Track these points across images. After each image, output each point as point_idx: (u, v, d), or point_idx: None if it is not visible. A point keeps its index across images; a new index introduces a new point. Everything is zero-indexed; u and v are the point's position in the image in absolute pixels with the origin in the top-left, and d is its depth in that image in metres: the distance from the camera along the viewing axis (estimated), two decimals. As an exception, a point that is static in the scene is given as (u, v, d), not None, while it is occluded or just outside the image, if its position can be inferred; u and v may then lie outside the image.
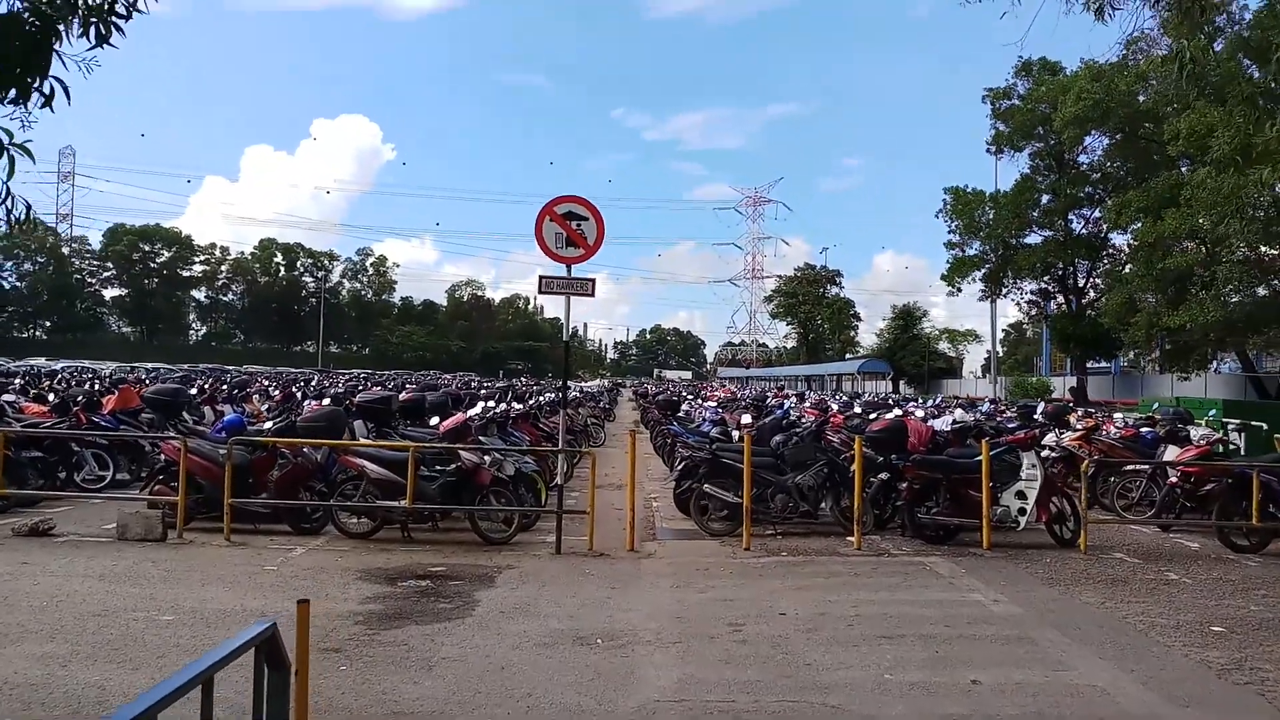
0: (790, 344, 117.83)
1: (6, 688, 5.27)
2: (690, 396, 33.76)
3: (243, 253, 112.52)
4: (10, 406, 13.64)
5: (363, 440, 11.63)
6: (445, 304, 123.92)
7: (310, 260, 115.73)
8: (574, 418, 21.02)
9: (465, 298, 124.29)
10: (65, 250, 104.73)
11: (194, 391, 19.36)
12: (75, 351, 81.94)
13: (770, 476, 11.61)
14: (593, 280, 10.36)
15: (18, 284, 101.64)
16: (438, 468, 10.70)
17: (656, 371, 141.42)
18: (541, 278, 10.34)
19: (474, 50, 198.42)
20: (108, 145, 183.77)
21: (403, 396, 15.90)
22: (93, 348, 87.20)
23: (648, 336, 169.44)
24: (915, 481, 11.16)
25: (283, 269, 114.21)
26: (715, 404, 22.50)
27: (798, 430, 12.71)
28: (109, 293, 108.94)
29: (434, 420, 12.64)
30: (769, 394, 32.85)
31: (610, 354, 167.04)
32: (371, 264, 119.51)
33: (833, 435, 13.83)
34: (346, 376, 52.45)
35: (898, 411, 16.71)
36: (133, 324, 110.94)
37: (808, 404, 23.41)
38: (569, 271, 10.34)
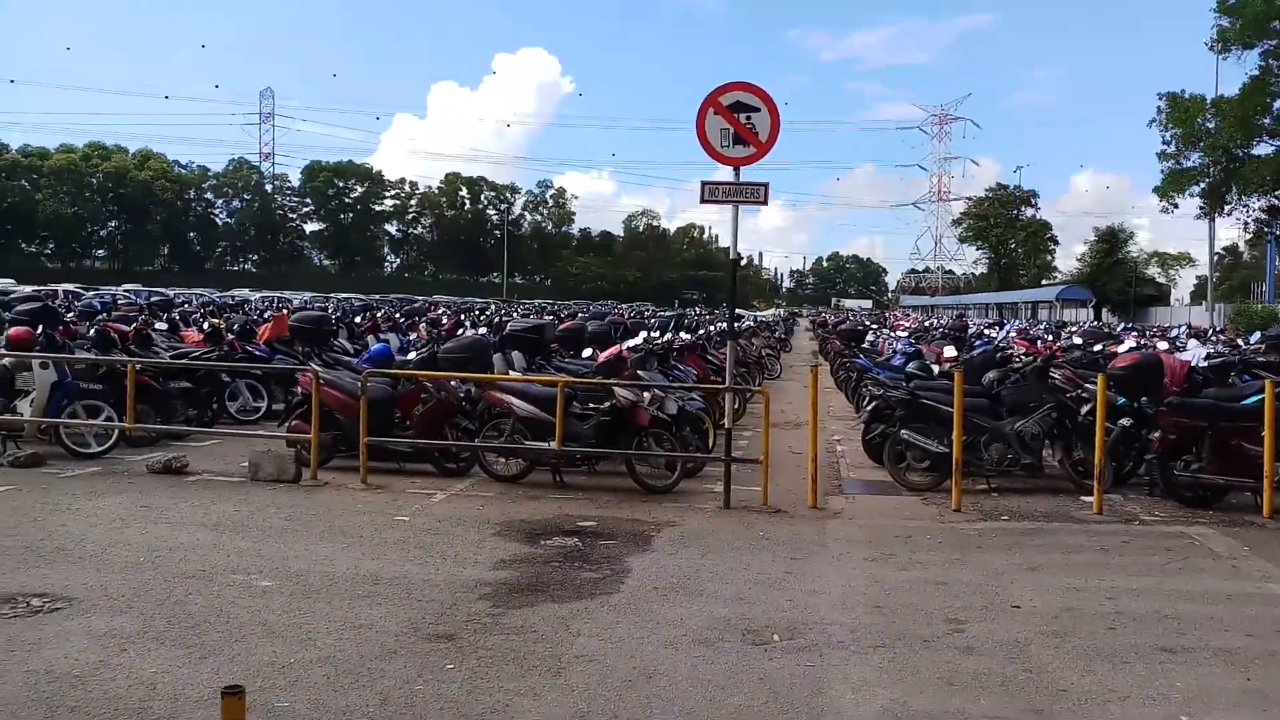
0: (979, 270, 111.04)
1: (47, 679, 4.31)
2: (875, 326, 31.43)
3: (430, 187, 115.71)
4: (160, 336, 13.39)
5: (512, 374, 10.49)
6: (622, 234, 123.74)
7: (493, 193, 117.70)
8: (746, 349, 19.44)
9: (641, 228, 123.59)
10: (269, 188, 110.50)
11: (358, 320, 19.02)
12: (278, 284, 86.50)
13: (984, 421, 9.69)
14: (765, 186, 8.64)
15: (228, 220, 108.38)
16: (591, 405, 9.42)
17: (835, 300, 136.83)
18: (704, 184, 8.71)
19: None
20: (305, 86, 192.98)
21: (561, 326, 14.83)
22: (295, 280, 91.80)
23: (825, 264, 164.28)
24: (1171, 430, 8.98)
25: (468, 202, 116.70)
26: (907, 334, 20.32)
27: (1015, 366, 10.65)
28: (309, 227, 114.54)
29: (587, 353, 11.42)
30: (971, 322, 30.04)
31: (786, 283, 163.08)
32: (551, 196, 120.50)
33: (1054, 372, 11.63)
34: (526, 306, 52.78)
35: (1130, 343, 14.20)
36: (331, 257, 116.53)
37: (1012, 334, 20.82)
38: (737, 175, 8.66)
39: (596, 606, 5.68)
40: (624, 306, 54.86)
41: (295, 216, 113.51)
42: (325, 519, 7.64)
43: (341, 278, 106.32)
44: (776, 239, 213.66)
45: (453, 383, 9.98)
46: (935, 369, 12.46)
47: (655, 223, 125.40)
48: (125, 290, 48.96)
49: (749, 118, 8.54)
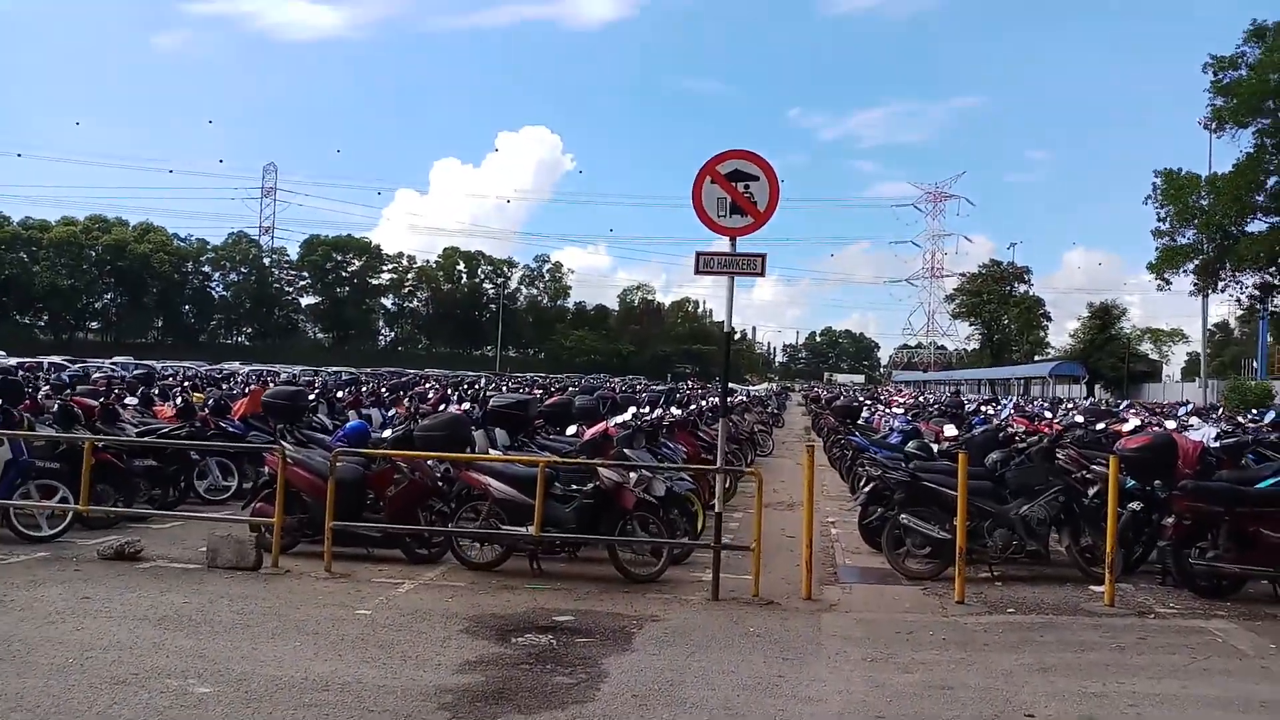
0: (972, 346, 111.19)
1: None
2: (870, 402, 30.99)
3: (428, 261, 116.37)
4: (132, 410, 12.90)
5: (493, 453, 9.99)
6: (617, 308, 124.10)
7: (490, 268, 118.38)
8: (738, 425, 18.96)
9: (636, 302, 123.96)
10: (266, 261, 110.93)
11: (340, 395, 18.54)
12: (272, 356, 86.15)
13: (988, 505, 9.20)
14: (762, 257, 8.26)
15: (224, 293, 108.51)
16: (574, 487, 8.91)
17: (827, 375, 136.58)
18: (699, 254, 8.33)
19: (652, 58, 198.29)
20: (308, 162, 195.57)
21: (548, 401, 14.37)
22: (289, 353, 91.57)
23: (818, 339, 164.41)
24: (1186, 516, 8.49)
25: (464, 276, 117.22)
26: (904, 411, 19.87)
27: (1019, 446, 10.19)
28: (305, 300, 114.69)
29: (571, 430, 10.96)
30: (966, 398, 29.61)
31: (779, 357, 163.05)
32: (548, 270, 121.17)
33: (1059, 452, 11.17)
34: (518, 379, 52.39)
35: (1134, 421, 13.77)
36: (326, 330, 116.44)
37: (1008, 411, 20.38)
38: (733, 246, 8.30)
39: (566, 719, 5.12)
40: (616, 380, 54.44)
41: (291, 290, 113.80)
42: (281, 612, 7.08)
43: (335, 351, 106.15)
44: (770, 313, 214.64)
45: (430, 462, 9.49)
46: (934, 448, 12.00)
47: (650, 297, 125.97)
48: (115, 362, 48.50)
49: (747, 187, 8.22)
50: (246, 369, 55.05)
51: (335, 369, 63.75)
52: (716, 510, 8.29)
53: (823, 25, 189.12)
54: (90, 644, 6.07)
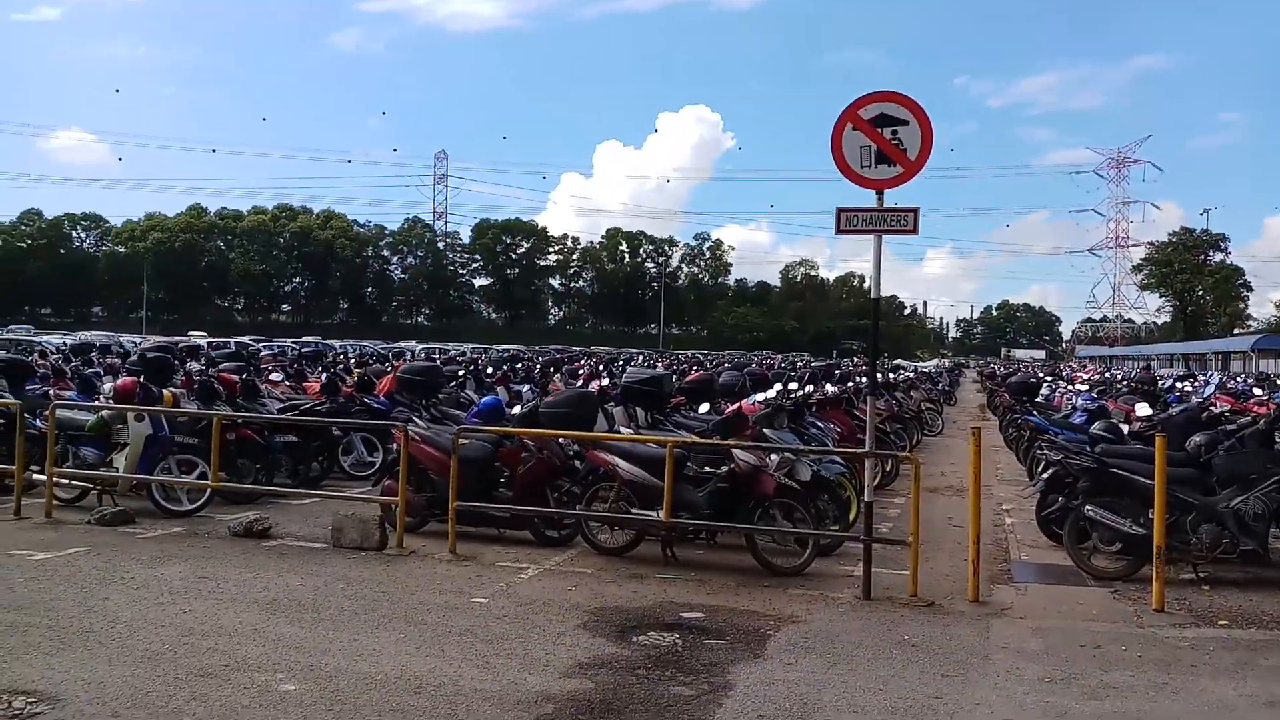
0: (1162, 319, 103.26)
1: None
2: (1050, 378, 28.71)
3: (592, 242, 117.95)
4: (284, 386, 13.05)
5: (624, 431, 9.38)
6: (779, 284, 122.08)
7: (652, 247, 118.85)
8: (904, 403, 17.69)
9: (799, 278, 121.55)
10: (441, 245, 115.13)
11: (490, 370, 18.43)
12: (448, 336, 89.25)
13: (1191, 496, 7.88)
14: (914, 211, 7.21)
15: (403, 275, 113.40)
16: (707, 469, 8.19)
17: (1005, 350, 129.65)
18: (840, 211, 7.35)
19: (809, 32, 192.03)
20: (477, 149, 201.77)
21: (689, 377, 13.66)
22: (464, 333, 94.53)
23: (994, 313, 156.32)
24: None
25: (627, 256, 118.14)
26: (1088, 388, 18.05)
27: (1229, 429, 8.75)
28: (478, 282, 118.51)
29: (704, 408, 10.20)
30: (1164, 375, 26.95)
31: (953, 332, 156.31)
32: (708, 248, 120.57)
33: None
34: (680, 356, 52.10)
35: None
36: (498, 310, 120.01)
37: (1211, 389, 18.15)
38: (880, 200, 7.30)
39: (678, 741, 4.42)
40: (778, 357, 53.21)
41: (465, 272, 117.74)
42: (393, 598, 6.69)
43: (507, 330, 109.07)
44: (943, 287, 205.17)
45: (562, 441, 8.98)
46: (1124, 429, 10.57)
47: (813, 272, 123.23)
48: (301, 342, 51.04)
49: (895, 132, 7.20)
50: (419, 348, 56.97)
51: (505, 347, 65.10)
52: (866, 500, 7.35)
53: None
54: (191, 628, 5.82)
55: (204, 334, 59.88)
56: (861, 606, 6.91)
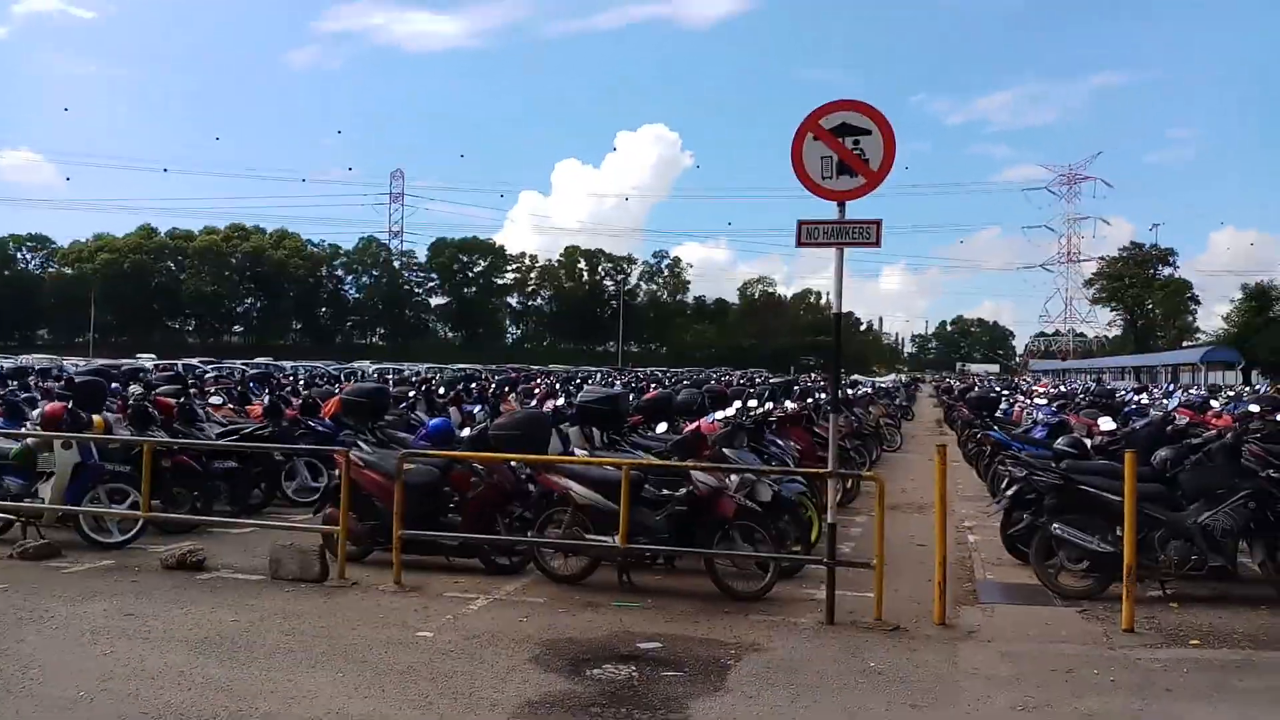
0: (1113, 333, 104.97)
1: None
2: (1008, 392, 28.85)
3: (550, 260, 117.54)
4: (227, 410, 12.54)
5: (578, 453, 9.06)
6: (738, 301, 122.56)
7: (610, 265, 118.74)
8: (863, 418, 17.55)
9: (756, 295, 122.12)
10: (396, 264, 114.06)
11: (443, 391, 17.99)
12: (404, 356, 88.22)
13: (1158, 513, 7.72)
14: (876, 224, 7.01)
15: (358, 295, 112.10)
16: (665, 491, 7.90)
17: (960, 365, 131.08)
18: (801, 224, 7.13)
19: (767, 51, 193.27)
20: (433, 167, 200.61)
21: (646, 395, 13.39)
22: (420, 352, 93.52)
23: (949, 328, 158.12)
24: None
25: (585, 274, 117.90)
26: (1047, 402, 18.04)
27: (1194, 442, 8.64)
28: (434, 301, 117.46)
29: (662, 428, 9.92)
30: (1119, 388, 27.16)
31: (908, 347, 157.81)
32: (667, 266, 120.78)
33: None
34: (639, 374, 51.90)
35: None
36: (455, 329, 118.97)
37: (1175, 401, 18.22)
38: (841, 211, 7.10)
39: (633, 788, 4.11)
40: (736, 373, 53.15)
41: (421, 291, 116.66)
42: (333, 634, 6.30)
43: (464, 349, 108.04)
44: (898, 303, 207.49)
45: (514, 464, 8.63)
46: (1087, 443, 10.45)
47: (771, 289, 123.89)
48: (252, 363, 49.97)
49: (857, 142, 7.00)
50: (373, 368, 56.12)
51: (461, 366, 64.42)
52: (829, 521, 7.10)
53: (942, 8, 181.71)
54: (112, 672, 5.39)
55: (153, 356, 58.52)
56: (825, 632, 6.65)
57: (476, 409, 16.41)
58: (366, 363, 69.53)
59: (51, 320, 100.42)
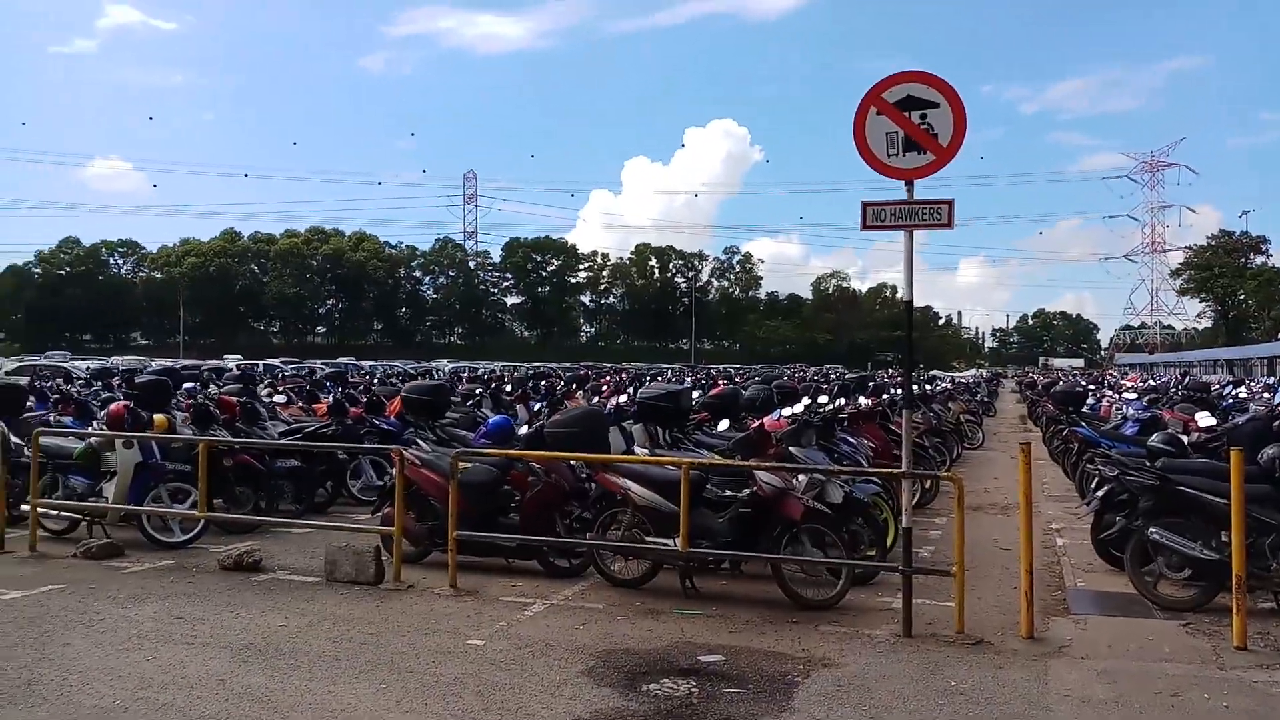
0: (1203, 324, 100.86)
1: None
2: (1094, 387, 27.64)
3: (621, 258, 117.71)
4: (296, 409, 12.51)
5: (639, 452, 8.71)
6: (811, 297, 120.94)
7: (681, 261, 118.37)
8: (942, 415, 16.87)
9: (830, 289, 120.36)
10: (471, 264, 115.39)
11: (510, 388, 17.84)
12: (480, 354, 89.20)
13: (1268, 516, 7.06)
14: (948, 204, 6.51)
15: (435, 295, 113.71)
16: (728, 492, 7.51)
17: (1042, 359, 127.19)
18: (866, 205, 6.67)
19: (835, 42, 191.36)
20: (506, 168, 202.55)
21: (712, 392, 12.97)
22: (496, 351, 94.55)
23: (1030, 322, 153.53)
24: None
25: (656, 271, 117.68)
26: (1138, 396, 17.10)
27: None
28: (509, 300, 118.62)
29: (724, 425, 9.52)
30: (1219, 381, 25.76)
31: (989, 342, 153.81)
32: (738, 262, 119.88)
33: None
34: (711, 371, 51.52)
35: None
36: (529, 328, 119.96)
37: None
38: (909, 191, 6.62)
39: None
40: (811, 369, 52.29)
41: (496, 290, 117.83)
42: (380, 641, 6.07)
43: (539, 347, 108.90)
44: (977, 296, 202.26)
45: (571, 463, 8.33)
46: (1184, 440, 9.73)
47: (845, 284, 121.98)
48: (335, 363, 50.81)
49: (924, 116, 6.51)
50: (449, 366, 56.67)
51: (536, 364, 64.70)
52: (904, 525, 6.63)
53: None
54: (150, 680, 5.23)
55: (239, 357, 60.07)
56: (901, 645, 6.19)
57: (536, 406, 16.10)
58: (443, 361, 70.33)
59: (143, 323, 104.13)
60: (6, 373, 30.95)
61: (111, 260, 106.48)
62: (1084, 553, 8.92)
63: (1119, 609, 7.24)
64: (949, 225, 6.47)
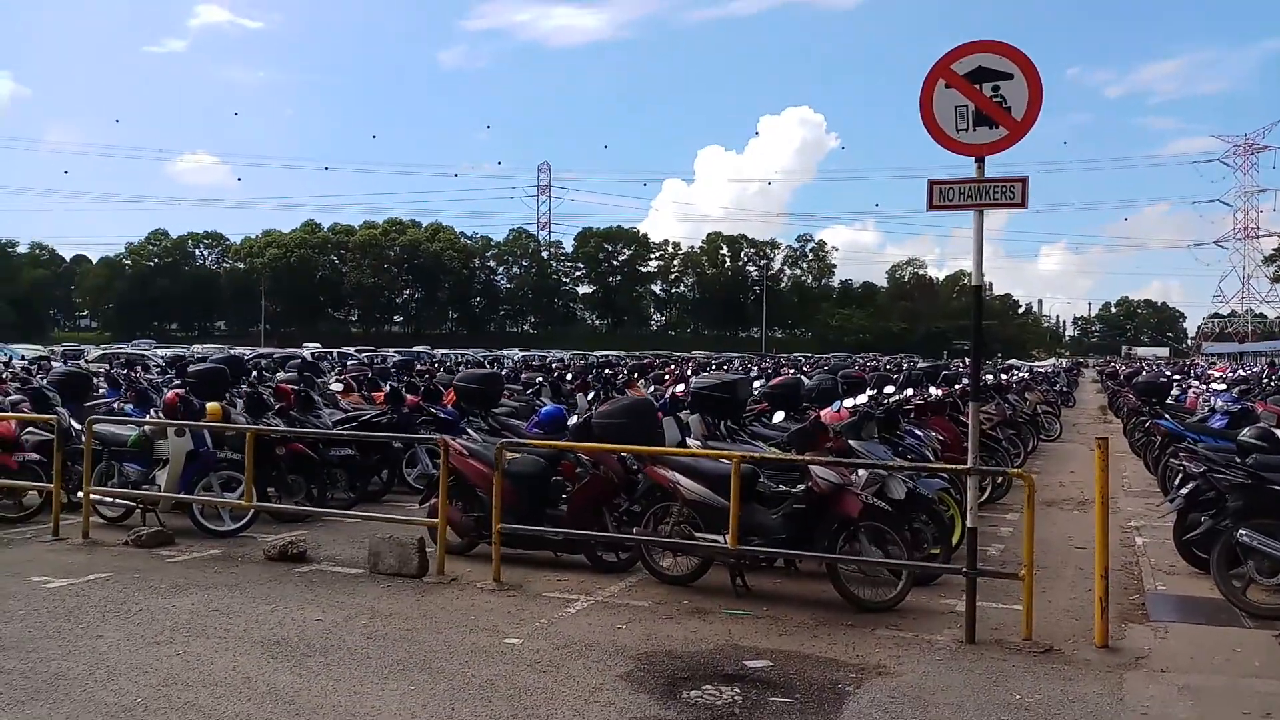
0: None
1: None
2: (1179, 377, 26.43)
3: (693, 247, 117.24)
4: (357, 396, 12.47)
5: (692, 444, 8.39)
6: (886, 285, 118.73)
7: (753, 250, 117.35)
8: (1017, 406, 16.18)
9: (906, 277, 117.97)
10: (545, 254, 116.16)
11: (570, 377, 17.64)
12: (552, 343, 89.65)
13: (1375, 519, 6.47)
14: (1023, 181, 6.05)
15: (508, 285, 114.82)
16: (783, 487, 7.16)
17: (1125, 348, 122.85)
18: (932, 184, 6.23)
19: (913, 26, 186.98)
20: (579, 159, 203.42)
21: (773, 381, 12.55)
22: (567, 340, 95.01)
23: (1113, 310, 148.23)
24: None
25: (728, 260, 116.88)
26: (1227, 388, 16.19)
27: None
28: (581, 289, 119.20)
29: (778, 417, 9.14)
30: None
31: (1070, 331, 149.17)
32: (811, 249, 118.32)
33: None
34: (780, 359, 50.90)
35: None
36: (600, 317, 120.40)
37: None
38: (980, 168, 6.17)
39: None
40: (884, 358, 51.21)
41: (568, 280, 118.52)
42: (415, 639, 5.89)
43: (610, 336, 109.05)
44: (1058, 284, 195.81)
45: (621, 454, 8.05)
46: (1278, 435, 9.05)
47: (921, 271, 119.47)
48: (408, 351, 51.41)
49: (996, 88, 6.06)
50: (519, 355, 56.94)
51: (605, 352, 64.60)
52: (969, 525, 6.21)
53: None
54: (176, 676, 5.12)
55: (318, 346, 61.27)
56: (964, 653, 5.79)
57: (590, 395, 15.78)
58: (515, 350, 70.85)
59: (227, 313, 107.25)
60: (89, 360, 31.98)
61: (197, 252, 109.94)
62: (1165, 553, 8.37)
63: (1204, 616, 6.73)
64: (1022, 205, 6.01)
